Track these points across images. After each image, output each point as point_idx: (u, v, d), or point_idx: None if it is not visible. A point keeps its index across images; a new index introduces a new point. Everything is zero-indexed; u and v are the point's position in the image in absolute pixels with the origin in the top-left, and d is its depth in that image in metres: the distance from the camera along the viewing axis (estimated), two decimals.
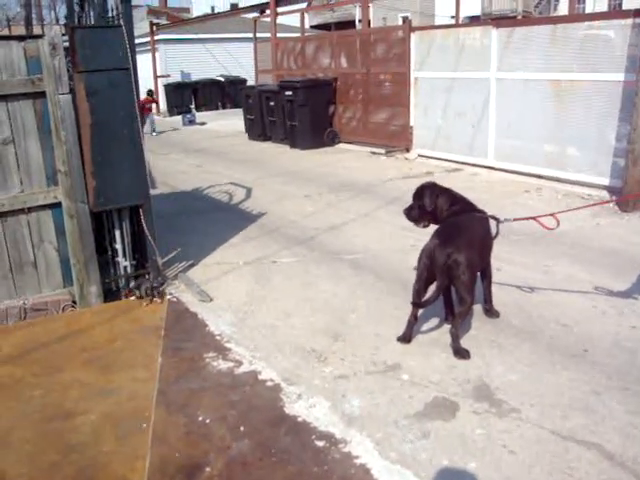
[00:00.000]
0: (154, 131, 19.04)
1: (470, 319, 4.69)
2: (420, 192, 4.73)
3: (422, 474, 3.11)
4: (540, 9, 31.28)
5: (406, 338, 4.46)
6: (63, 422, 3.74)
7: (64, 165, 5.07)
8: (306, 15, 24.16)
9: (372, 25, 30.67)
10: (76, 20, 7.01)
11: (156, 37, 26.88)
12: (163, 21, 33.33)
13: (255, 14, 21.28)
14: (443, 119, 11.24)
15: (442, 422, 3.53)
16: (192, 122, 21.54)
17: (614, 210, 7.58)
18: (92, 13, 6.09)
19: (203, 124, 21.36)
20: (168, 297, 5.57)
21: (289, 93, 13.90)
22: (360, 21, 23.98)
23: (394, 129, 12.71)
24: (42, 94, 4.99)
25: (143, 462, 3.33)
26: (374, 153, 12.66)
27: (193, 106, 24.13)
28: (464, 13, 23.21)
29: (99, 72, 5.04)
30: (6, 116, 4.96)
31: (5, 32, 38.72)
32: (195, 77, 27.43)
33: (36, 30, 30.16)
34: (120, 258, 5.52)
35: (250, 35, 21.57)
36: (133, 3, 5.75)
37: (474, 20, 25.62)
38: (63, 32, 5.15)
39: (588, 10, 26.33)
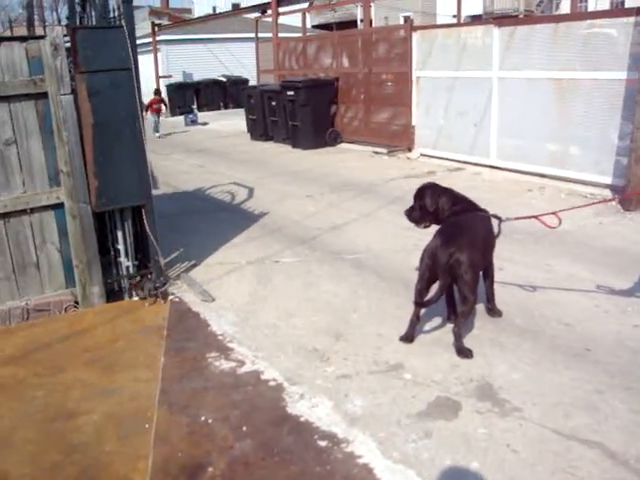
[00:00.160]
0: (157, 132, 18.50)
1: (472, 318, 4.68)
2: (421, 192, 4.72)
3: (425, 474, 3.11)
4: (542, 8, 31.26)
5: (408, 338, 4.45)
6: (65, 422, 3.74)
7: (66, 166, 5.08)
8: (308, 15, 24.16)
9: (374, 25, 30.69)
10: (78, 21, 7.01)
11: (158, 37, 26.92)
12: (165, 22, 33.35)
13: (257, 14, 21.29)
14: (445, 118, 11.23)
15: (445, 421, 3.52)
16: (194, 122, 21.56)
17: (617, 209, 7.56)
18: (93, 14, 6.10)
19: (205, 124, 21.37)
20: (170, 297, 5.58)
21: (291, 93, 13.91)
22: (362, 21, 24.01)
23: (396, 129, 12.70)
24: (44, 95, 4.99)
25: (145, 462, 3.33)
26: (376, 153, 12.65)
27: (195, 106, 24.16)
28: (466, 12, 23.21)
29: (101, 72, 5.05)
30: (8, 117, 4.96)
31: (7, 33, 38.77)
32: (197, 77, 27.47)
33: (38, 31, 30.20)
34: (122, 258, 5.52)
35: (252, 35, 21.59)
36: (135, 4, 5.75)
37: (476, 19, 25.62)
38: (65, 33, 5.16)
39: (590, 9, 26.27)
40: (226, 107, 26.56)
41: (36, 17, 37.61)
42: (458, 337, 4.25)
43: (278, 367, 4.25)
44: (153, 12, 39.04)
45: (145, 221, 5.45)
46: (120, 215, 5.45)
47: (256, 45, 19.98)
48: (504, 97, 9.90)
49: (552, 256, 6.08)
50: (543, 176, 9.22)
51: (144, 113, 17.93)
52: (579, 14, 14.49)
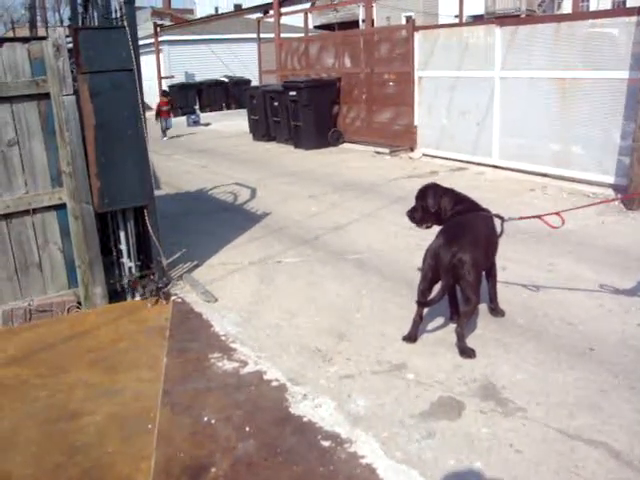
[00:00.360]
0: (165, 135, 18.01)
1: (475, 318, 4.68)
2: (423, 193, 4.70)
3: (428, 474, 3.10)
4: (544, 7, 31.25)
5: (411, 337, 4.45)
6: (68, 423, 3.74)
7: (68, 166, 5.08)
8: (310, 15, 24.14)
9: (376, 25, 30.66)
10: (80, 22, 7.02)
11: (160, 38, 26.96)
12: (167, 22, 33.40)
13: (259, 15, 21.32)
14: (447, 118, 11.22)
15: (448, 421, 3.52)
16: (196, 123, 21.55)
17: (619, 208, 7.55)
18: (96, 15, 6.10)
19: (207, 125, 21.37)
20: (173, 298, 5.58)
21: (293, 93, 13.90)
22: (364, 21, 24.00)
23: (398, 128, 12.70)
24: (46, 95, 4.99)
25: (148, 463, 3.32)
26: (378, 153, 12.65)
27: (197, 107, 24.15)
28: (468, 12, 23.20)
29: (103, 73, 5.05)
30: (11, 118, 4.97)
31: (10, 34, 38.85)
32: (199, 78, 27.52)
33: (40, 32, 30.23)
34: (125, 259, 5.52)
35: (254, 35, 21.63)
36: (137, 4, 5.75)
37: (478, 19, 25.61)
38: (67, 34, 5.16)
39: (592, 8, 26.26)
40: (228, 108, 26.59)
41: (38, 18, 37.62)
42: (461, 337, 4.24)
43: (281, 367, 4.24)
44: (155, 13, 39.09)
45: (147, 222, 5.45)
46: (122, 215, 5.45)
47: (258, 45, 19.99)
48: (506, 97, 9.88)
49: (555, 255, 6.07)
50: (545, 175, 9.21)
51: (155, 120, 17.83)
52: (581, 14, 14.47)
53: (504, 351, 4.27)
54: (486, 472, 3.08)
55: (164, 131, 18.15)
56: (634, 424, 3.38)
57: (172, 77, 26.40)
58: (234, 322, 5.04)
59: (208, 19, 27.17)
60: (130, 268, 5.55)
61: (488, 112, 10.20)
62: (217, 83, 26.76)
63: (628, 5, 24.57)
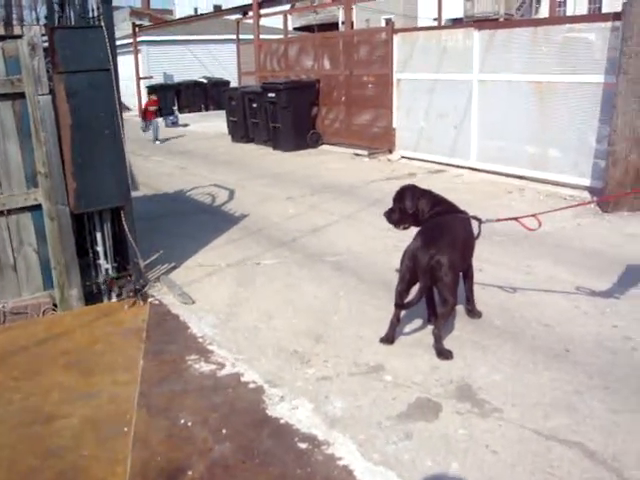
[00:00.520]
0: (157, 139, 17.40)
1: (453, 320, 4.70)
2: (401, 194, 4.70)
3: (405, 475, 3.11)
4: (522, 12, 31.49)
5: (389, 339, 4.45)
6: (43, 426, 3.70)
7: (44, 167, 5.02)
8: (289, 17, 24.16)
9: (355, 27, 30.72)
10: (56, 21, 6.94)
11: (139, 38, 26.74)
12: (146, 22, 33.18)
13: (238, 16, 21.26)
14: (425, 121, 11.28)
15: (425, 423, 3.53)
16: (175, 124, 21.43)
17: (595, 211, 7.63)
18: (72, 14, 6.03)
19: (186, 126, 21.26)
20: (150, 299, 5.54)
21: (272, 95, 13.88)
22: (343, 23, 24.00)
23: (377, 131, 12.74)
24: (21, 95, 4.93)
25: (124, 466, 3.29)
26: (357, 155, 12.67)
27: (176, 108, 24.00)
28: (447, 15, 23.29)
29: (79, 73, 5.00)
30: None
31: None
32: (178, 79, 27.35)
33: (16, 31, 29.85)
34: (101, 260, 5.47)
35: (233, 37, 21.55)
36: (115, 4, 5.71)
37: (456, 22, 25.76)
38: (43, 32, 5.11)
39: (569, 13, 26.54)
40: (207, 109, 26.48)
41: (14, 16, 37.16)
42: (438, 339, 4.25)
43: (258, 369, 4.23)
44: (134, 13, 38.84)
45: (124, 223, 5.41)
46: (99, 217, 5.40)
47: (237, 47, 19.94)
48: (484, 99, 9.96)
49: (532, 257, 6.12)
50: (523, 178, 9.30)
51: (142, 123, 17.47)
52: (558, 18, 14.57)
53: (481, 352, 4.29)
54: (462, 473, 3.10)
55: (156, 138, 17.36)
56: (608, 424, 3.42)
57: (151, 77, 26.21)
58: (211, 324, 5.01)
59: (187, 20, 27.03)
60: (107, 270, 5.50)
61: (466, 115, 10.27)
62: (196, 84, 26.63)
63: (604, 11, 24.86)
